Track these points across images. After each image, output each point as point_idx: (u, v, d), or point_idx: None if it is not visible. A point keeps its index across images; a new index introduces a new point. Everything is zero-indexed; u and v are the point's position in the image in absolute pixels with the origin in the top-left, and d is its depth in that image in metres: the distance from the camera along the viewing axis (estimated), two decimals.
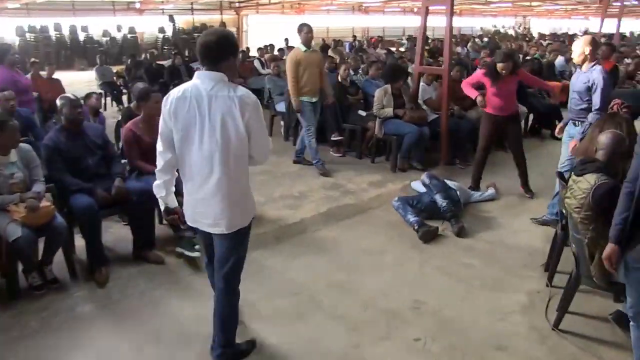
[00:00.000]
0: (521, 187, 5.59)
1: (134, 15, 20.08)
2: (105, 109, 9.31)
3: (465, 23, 29.54)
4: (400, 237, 4.56)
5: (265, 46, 14.09)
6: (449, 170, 6.22)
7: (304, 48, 5.94)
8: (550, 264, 3.81)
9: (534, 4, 23.96)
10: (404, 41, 20.58)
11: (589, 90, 4.27)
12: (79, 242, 3.93)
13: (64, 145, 3.86)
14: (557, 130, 4.85)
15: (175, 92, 2.48)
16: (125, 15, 19.90)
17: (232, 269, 2.68)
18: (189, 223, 2.71)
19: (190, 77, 2.59)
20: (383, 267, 4.05)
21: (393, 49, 15.13)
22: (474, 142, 6.80)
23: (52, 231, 3.50)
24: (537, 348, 3.06)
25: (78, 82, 12.58)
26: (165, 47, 19.54)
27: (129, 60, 11.25)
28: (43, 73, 8.62)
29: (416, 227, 4.51)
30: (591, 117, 4.24)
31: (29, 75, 7.51)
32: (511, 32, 29.85)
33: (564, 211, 3.44)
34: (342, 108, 6.96)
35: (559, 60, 10.18)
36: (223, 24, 21.97)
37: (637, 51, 13.45)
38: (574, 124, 4.49)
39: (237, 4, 22.38)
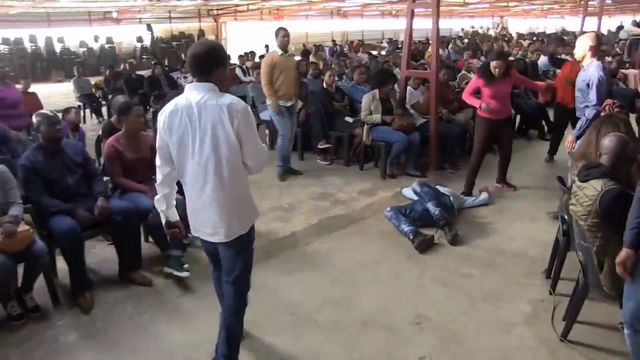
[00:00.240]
0: (496, 184, 5.65)
1: (111, 25, 19.73)
2: (84, 122, 9.10)
3: (443, 25, 29.58)
4: (395, 247, 4.43)
5: (246, 53, 13.91)
6: (439, 175, 6.12)
7: (280, 52, 5.91)
8: (552, 271, 3.70)
9: (511, 4, 24.15)
10: (385, 44, 20.54)
11: (589, 87, 4.23)
12: (61, 264, 3.71)
13: (41, 164, 3.64)
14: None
15: (168, 107, 2.50)
16: (102, 25, 19.55)
17: (239, 275, 2.68)
18: (192, 233, 2.72)
19: (171, 87, 2.56)
20: (379, 280, 3.92)
21: (375, 52, 15.03)
22: (463, 146, 6.75)
23: (31, 257, 3.29)
24: None
25: (56, 94, 12.32)
26: (144, 57, 19.22)
27: (108, 72, 10.95)
28: (19, 86, 8.35)
29: (411, 237, 4.39)
30: (587, 112, 4.21)
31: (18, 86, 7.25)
32: (491, 32, 30.03)
33: (566, 217, 3.35)
34: (329, 115, 6.82)
35: (542, 59, 10.17)
36: (202, 31, 21.76)
37: (617, 49, 13.54)
38: None
39: (215, 12, 22.19)
